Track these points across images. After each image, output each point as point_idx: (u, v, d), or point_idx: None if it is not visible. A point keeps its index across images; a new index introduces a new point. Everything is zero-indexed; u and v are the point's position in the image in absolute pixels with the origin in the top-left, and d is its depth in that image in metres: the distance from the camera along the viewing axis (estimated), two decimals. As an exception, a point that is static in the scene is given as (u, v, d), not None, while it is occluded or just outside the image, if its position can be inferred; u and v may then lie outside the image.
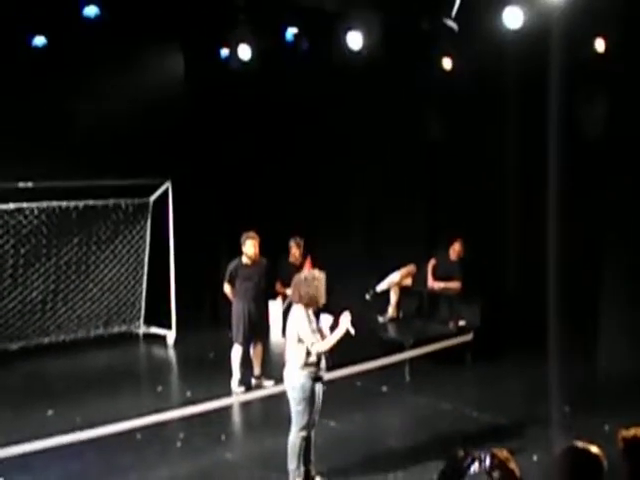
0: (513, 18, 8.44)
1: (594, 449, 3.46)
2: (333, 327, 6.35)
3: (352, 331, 6.18)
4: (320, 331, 6.30)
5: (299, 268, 10.01)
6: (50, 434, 7.16)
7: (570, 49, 8.68)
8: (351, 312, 6.33)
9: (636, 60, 9.08)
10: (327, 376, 6.50)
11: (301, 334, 6.19)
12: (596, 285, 9.67)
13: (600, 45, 9.08)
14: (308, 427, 6.28)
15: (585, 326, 9.64)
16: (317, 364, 6.26)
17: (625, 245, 9.50)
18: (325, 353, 6.33)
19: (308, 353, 6.21)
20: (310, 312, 6.32)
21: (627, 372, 8.87)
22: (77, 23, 9.07)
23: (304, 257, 10.72)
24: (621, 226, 9.54)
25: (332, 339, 6.23)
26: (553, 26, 8.34)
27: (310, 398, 6.22)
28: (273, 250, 9.74)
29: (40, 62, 10.05)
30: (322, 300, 6.30)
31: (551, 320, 8.85)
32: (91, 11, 8.77)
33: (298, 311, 6.29)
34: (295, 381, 6.26)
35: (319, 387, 6.32)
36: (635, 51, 9.01)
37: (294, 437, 6.31)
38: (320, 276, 6.34)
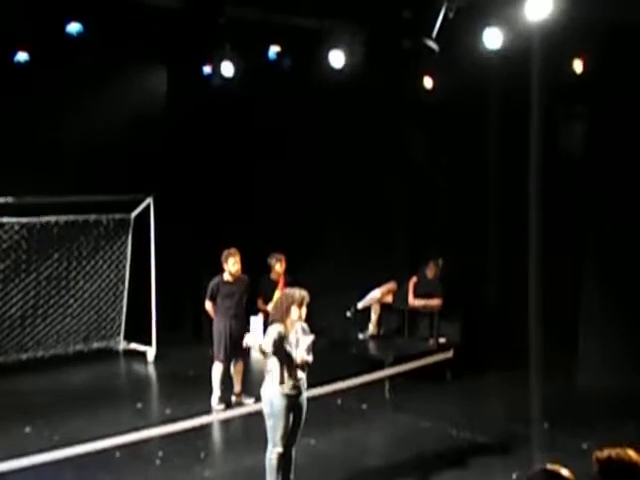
0: (493, 39, 8.55)
1: (565, 472, 3.47)
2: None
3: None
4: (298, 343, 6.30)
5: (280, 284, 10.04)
6: (28, 452, 7.10)
7: (549, 69, 8.80)
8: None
9: (613, 80, 9.22)
10: (307, 394, 6.49)
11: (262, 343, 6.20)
12: (576, 303, 9.75)
13: (578, 66, 9.24)
14: (282, 444, 6.25)
15: (565, 344, 9.71)
16: (293, 381, 6.24)
17: (605, 263, 9.59)
18: (304, 369, 6.32)
19: (282, 369, 6.20)
20: (289, 331, 6.29)
21: (606, 390, 8.95)
22: (60, 40, 9.06)
23: (285, 274, 10.72)
24: (601, 245, 9.64)
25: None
26: (532, 47, 8.46)
27: (280, 415, 6.20)
28: (253, 267, 9.73)
29: (22, 78, 10.04)
30: (286, 317, 6.25)
31: (531, 338, 8.90)
32: (74, 28, 8.77)
33: (272, 328, 6.29)
34: (266, 396, 6.29)
35: (298, 405, 6.31)
36: (612, 72, 9.15)
37: (269, 453, 6.32)
38: (292, 294, 6.35)
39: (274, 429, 6.26)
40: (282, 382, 6.21)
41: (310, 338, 6.33)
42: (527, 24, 7.87)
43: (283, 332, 6.24)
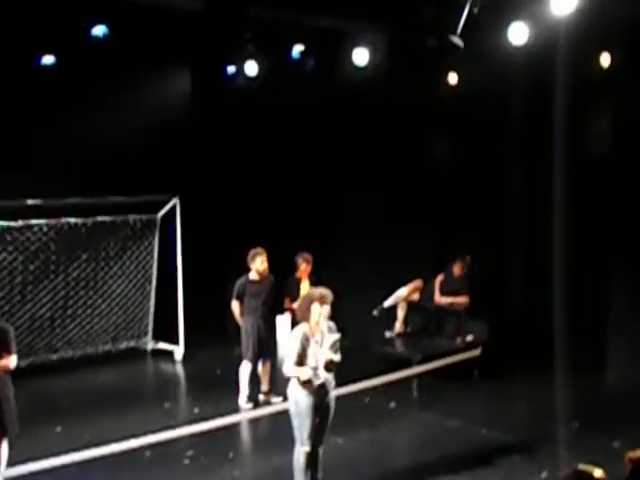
0: (518, 34, 8.49)
1: (598, 473, 3.44)
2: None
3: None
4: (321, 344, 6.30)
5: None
6: (58, 452, 7.19)
7: (575, 64, 8.72)
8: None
9: (639, 77, 9.10)
10: (334, 392, 6.49)
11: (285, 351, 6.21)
12: (603, 301, 9.66)
13: (605, 60, 9.12)
14: (309, 443, 6.26)
15: (594, 341, 9.62)
16: (319, 380, 6.23)
17: (632, 261, 9.50)
18: (333, 369, 6.32)
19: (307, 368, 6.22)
20: (315, 330, 6.30)
21: (635, 388, 8.85)
22: (85, 42, 9.15)
23: (310, 274, 10.69)
24: (628, 242, 9.54)
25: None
26: (558, 42, 8.39)
27: (305, 414, 6.21)
28: (278, 267, 9.74)
29: (48, 81, 10.14)
30: (310, 318, 6.27)
31: (559, 336, 8.84)
32: (99, 31, 8.85)
33: (297, 328, 6.33)
34: (292, 395, 6.32)
35: (325, 404, 6.31)
36: (638, 68, 9.03)
37: (296, 452, 6.35)
38: (312, 293, 6.42)
39: (300, 428, 6.27)
40: (307, 381, 6.21)
41: (336, 337, 6.33)
42: (552, 19, 7.81)
43: (308, 331, 6.27)
